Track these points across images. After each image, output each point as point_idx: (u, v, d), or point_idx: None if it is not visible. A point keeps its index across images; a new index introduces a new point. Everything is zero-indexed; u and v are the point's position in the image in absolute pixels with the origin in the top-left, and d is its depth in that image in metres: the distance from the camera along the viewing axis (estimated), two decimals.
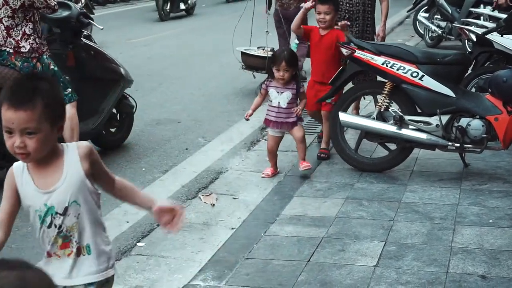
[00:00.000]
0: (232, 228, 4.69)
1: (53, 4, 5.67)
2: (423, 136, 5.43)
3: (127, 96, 6.90)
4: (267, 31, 8.63)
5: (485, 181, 5.39)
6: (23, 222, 4.93)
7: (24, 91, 2.24)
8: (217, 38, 13.49)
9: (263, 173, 5.69)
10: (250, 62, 9.14)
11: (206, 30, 15.69)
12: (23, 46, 5.61)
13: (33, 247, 4.54)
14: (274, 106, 5.53)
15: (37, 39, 5.69)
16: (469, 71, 6.38)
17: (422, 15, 12.35)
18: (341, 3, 6.49)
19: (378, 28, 7.02)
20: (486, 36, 6.70)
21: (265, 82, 5.61)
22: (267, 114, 5.64)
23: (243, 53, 9.22)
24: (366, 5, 6.70)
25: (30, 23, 5.66)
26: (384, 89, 5.57)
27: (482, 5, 10.40)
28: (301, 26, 5.99)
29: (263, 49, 9.05)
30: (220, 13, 19.16)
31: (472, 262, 4.01)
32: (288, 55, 5.42)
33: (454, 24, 10.54)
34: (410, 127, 5.48)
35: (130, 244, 4.52)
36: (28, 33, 5.64)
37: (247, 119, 5.87)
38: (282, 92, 5.48)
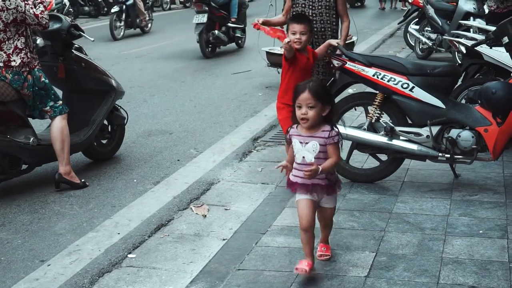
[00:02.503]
0: (224, 239, 4.69)
1: (44, 22, 5.68)
2: (413, 147, 5.45)
3: (119, 107, 6.90)
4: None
5: (476, 192, 5.40)
6: (13, 234, 4.96)
7: None
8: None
9: (296, 268, 3.94)
10: (275, 60, 9.98)
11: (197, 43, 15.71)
12: (14, 60, 5.61)
13: (24, 259, 4.53)
14: (299, 163, 3.95)
15: (28, 54, 5.69)
16: (459, 83, 6.41)
17: (412, 27, 12.42)
18: None
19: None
20: (475, 48, 6.74)
21: (289, 129, 4.04)
22: (292, 175, 4.06)
23: (268, 53, 10.19)
24: (331, 23, 6.22)
25: (22, 37, 5.66)
26: (375, 100, 5.59)
27: (472, 18, 10.47)
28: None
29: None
30: None
31: (463, 272, 4.02)
32: (314, 86, 3.89)
33: (444, 36, 10.61)
34: (401, 138, 5.50)
35: (121, 255, 4.51)
36: (20, 47, 5.64)
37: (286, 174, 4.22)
38: (306, 143, 3.91)
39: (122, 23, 16.55)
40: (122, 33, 16.47)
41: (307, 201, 3.95)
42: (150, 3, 18.75)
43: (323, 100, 3.87)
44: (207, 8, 13.28)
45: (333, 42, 5.58)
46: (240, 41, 14.51)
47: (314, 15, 6.13)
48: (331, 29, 6.20)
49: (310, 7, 6.15)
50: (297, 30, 5.22)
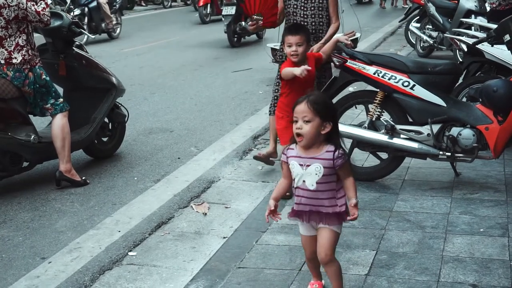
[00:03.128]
0: (224, 237, 4.69)
1: (46, 19, 5.68)
2: (414, 145, 5.45)
3: (119, 105, 6.90)
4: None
5: (476, 190, 5.40)
6: (15, 232, 4.96)
7: None
8: (209, 47, 13.52)
9: None
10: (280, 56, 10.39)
11: (199, 40, 15.72)
12: (15, 57, 5.61)
13: (24, 256, 4.53)
14: (299, 188, 3.46)
15: (30, 51, 5.69)
16: (460, 81, 6.41)
17: (413, 25, 12.41)
18: (294, 22, 5.88)
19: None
20: (477, 46, 6.73)
21: (286, 150, 3.51)
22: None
23: (273, 49, 10.28)
24: (323, 25, 5.94)
25: (23, 34, 5.66)
26: (376, 98, 5.59)
27: (473, 16, 10.47)
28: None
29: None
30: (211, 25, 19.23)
31: (463, 271, 4.01)
32: (314, 98, 3.37)
33: (445, 34, 10.61)
34: (402, 136, 5.50)
35: (121, 253, 4.51)
36: (21, 44, 5.64)
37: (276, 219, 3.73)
38: (307, 165, 3.38)
39: (85, 28, 14.58)
40: (84, 39, 13.41)
41: (308, 238, 3.59)
42: (117, 5, 17.14)
43: (323, 115, 3.32)
44: (235, 1, 14.21)
45: (342, 38, 5.44)
46: (260, 32, 15.07)
47: (305, 16, 5.90)
48: (322, 30, 5.94)
49: (302, 8, 5.91)
50: (292, 42, 5.00)
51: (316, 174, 3.35)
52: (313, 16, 5.90)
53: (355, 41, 11.74)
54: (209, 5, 19.42)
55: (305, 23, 5.85)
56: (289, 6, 5.94)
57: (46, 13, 5.67)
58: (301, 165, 3.37)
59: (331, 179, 3.40)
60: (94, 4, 15.65)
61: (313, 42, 5.80)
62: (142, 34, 17.48)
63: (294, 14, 5.91)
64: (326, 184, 3.39)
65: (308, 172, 3.37)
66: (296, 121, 3.34)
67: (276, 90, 6.00)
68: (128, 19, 21.35)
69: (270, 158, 6.06)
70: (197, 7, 20.57)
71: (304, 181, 3.38)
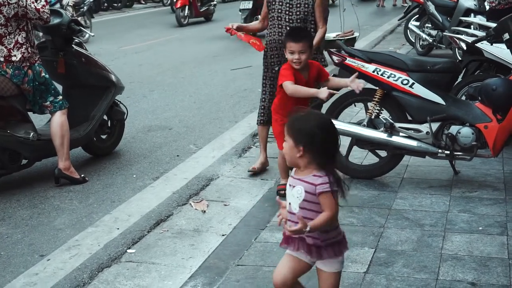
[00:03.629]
0: (223, 235, 4.69)
1: (45, 17, 5.68)
2: (413, 143, 5.45)
3: (118, 103, 6.90)
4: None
5: (475, 188, 5.40)
6: (13, 229, 4.96)
7: None
8: (207, 45, 13.51)
9: None
10: None
11: (197, 38, 15.72)
12: (14, 55, 5.61)
13: (23, 254, 4.53)
14: (289, 212, 3.08)
15: (29, 48, 5.69)
16: (459, 79, 6.40)
17: (413, 24, 12.42)
18: (280, 27, 5.68)
19: None
20: (476, 44, 6.73)
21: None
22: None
23: None
24: (310, 30, 5.68)
25: (23, 32, 5.66)
26: (375, 96, 5.59)
27: (472, 14, 10.47)
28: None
29: None
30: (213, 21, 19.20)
31: (462, 269, 4.02)
32: (291, 119, 3.05)
33: (444, 33, 10.60)
34: (401, 134, 5.50)
35: (120, 250, 4.51)
36: (21, 42, 5.64)
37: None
38: (293, 186, 3.05)
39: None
40: (86, 37, 12.57)
41: (287, 256, 3.17)
42: (85, 7, 16.19)
43: (296, 138, 2.97)
44: None
45: (352, 85, 4.83)
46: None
47: (291, 21, 5.64)
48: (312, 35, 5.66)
49: (287, 12, 5.66)
50: (295, 50, 4.74)
51: (297, 197, 3.00)
52: (298, 21, 5.66)
53: (353, 40, 11.74)
54: (187, 7, 18.75)
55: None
56: (273, 10, 5.72)
57: (46, 10, 5.66)
58: (290, 185, 3.07)
59: (317, 208, 2.97)
60: (57, 6, 14.69)
61: None
62: (142, 32, 17.48)
63: (279, 18, 5.69)
64: (311, 212, 2.98)
65: (292, 194, 3.03)
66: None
67: (264, 99, 5.92)
68: (127, 17, 21.34)
69: (266, 168, 6.08)
70: (174, 9, 19.67)
71: (290, 203, 3.05)
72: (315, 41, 5.53)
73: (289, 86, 4.79)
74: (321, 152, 2.96)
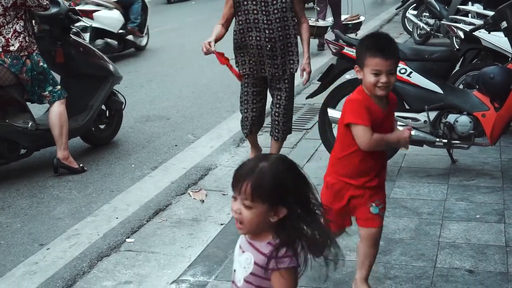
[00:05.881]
0: (221, 224, 4.71)
1: (45, 3, 5.67)
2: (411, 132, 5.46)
3: (116, 92, 6.90)
4: (315, 7, 12.03)
5: (473, 177, 5.42)
6: (13, 218, 4.97)
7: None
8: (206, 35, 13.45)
9: None
10: None
11: (195, 27, 15.68)
12: (12, 45, 5.61)
13: (23, 243, 4.55)
14: (232, 282, 2.37)
15: (27, 38, 5.68)
16: (457, 68, 6.41)
17: (410, 13, 12.40)
18: (257, 30, 5.17)
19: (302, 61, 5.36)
20: (473, 33, 6.73)
21: None
22: None
23: None
24: (292, 28, 5.22)
25: (21, 21, 5.65)
26: None
27: (470, 3, 10.45)
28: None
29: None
30: (211, 9, 19.15)
31: (459, 256, 4.04)
32: (258, 177, 2.19)
33: (442, 22, 10.59)
34: (398, 123, 5.51)
35: (119, 240, 4.53)
36: (19, 31, 5.63)
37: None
38: (243, 251, 2.30)
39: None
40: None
41: None
42: None
43: (271, 199, 2.18)
44: None
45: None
46: None
47: (269, 22, 5.10)
48: (294, 34, 5.22)
49: (264, 13, 5.08)
50: (383, 69, 3.25)
51: (244, 267, 2.26)
52: (278, 20, 5.11)
53: (360, 24, 12.03)
54: None
55: (270, 31, 5.12)
56: (246, 12, 5.13)
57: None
58: (240, 247, 2.32)
59: (263, 284, 2.23)
60: None
61: (285, 49, 5.21)
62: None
63: (256, 21, 5.12)
64: (252, 285, 2.25)
65: (239, 260, 2.30)
66: (235, 198, 2.24)
67: (246, 110, 5.48)
68: None
69: None
70: None
71: (235, 270, 2.34)
72: (305, 44, 5.30)
73: (367, 137, 3.27)
74: (297, 213, 2.21)
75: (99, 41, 11.10)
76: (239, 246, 2.33)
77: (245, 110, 5.52)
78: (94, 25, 10.88)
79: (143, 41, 12.46)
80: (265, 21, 5.11)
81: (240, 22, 5.19)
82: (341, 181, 3.43)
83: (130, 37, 11.98)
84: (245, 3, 5.12)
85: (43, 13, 5.90)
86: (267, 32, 5.13)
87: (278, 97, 5.40)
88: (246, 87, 5.45)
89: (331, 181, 3.47)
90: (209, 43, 5.14)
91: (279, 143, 5.61)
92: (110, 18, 11.50)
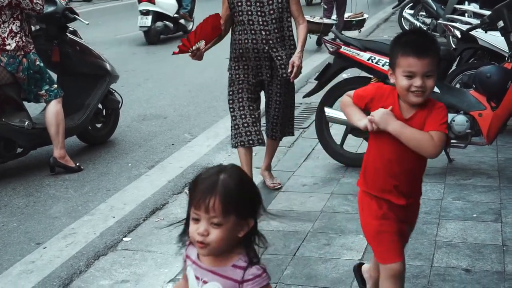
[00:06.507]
0: None
1: (38, 8, 5.66)
2: None
3: (113, 91, 6.89)
4: (323, 5, 12.33)
5: (469, 176, 5.43)
6: (9, 217, 4.96)
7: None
8: None
9: None
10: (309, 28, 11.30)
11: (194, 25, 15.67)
12: (9, 44, 5.60)
13: (19, 242, 4.54)
14: None
15: (23, 37, 5.67)
16: (454, 67, 6.42)
17: (407, 12, 12.42)
18: (253, 33, 4.92)
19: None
20: (470, 32, 6.74)
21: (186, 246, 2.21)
22: None
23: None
24: (287, 29, 5.01)
25: (17, 21, 5.64)
26: None
27: (466, 2, 10.46)
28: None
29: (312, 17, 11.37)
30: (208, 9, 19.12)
31: (456, 255, 4.04)
32: (225, 188, 1.98)
33: (439, 21, 10.61)
34: None
35: (116, 239, 4.52)
36: (15, 31, 5.62)
37: None
38: (204, 281, 2.08)
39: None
40: None
41: None
42: None
43: (241, 212, 1.99)
44: None
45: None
46: None
47: (265, 23, 4.88)
48: (288, 36, 5.01)
49: (260, 13, 4.87)
50: (417, 71, 2.73)
51: None
52: (274, 21, 4.90)
53: (363, 21, 12.53)
54: None
55: (267, 32, 4.90)
56: (241, 13, 4.92)
57: (39, 1, 5.64)
58: (197, 277, 2.10)
59: None
60: None
61: (281, 51, 4.96)
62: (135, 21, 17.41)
63: (251, 22, 4.91)
64: None
65: None
66: (198, 219, 2.00)
67: (234, 117, 5.10)
68: (121, 5, 21.26)
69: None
70: None
71: None
72: (300, 41, 5.01)
73: (344, 100, 3.13)
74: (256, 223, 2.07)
75: (159, 23, 13.21)
76: (194, 277, 2.09)
77: (233, 117, 5.12)
78: (156, 9, 13.05)
79: (190, 26, 13.99)
80: (260, 22, 4.89)
81: (239, 23, 4.97)
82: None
83: (182, 21, 13.97)
84: (239, 4, 4.90)
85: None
86: (263, 33, 4.90)
87: (278, 95, 5.14)
88: (240, 93, 5.12)
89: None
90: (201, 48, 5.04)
91: (277, 142, 5.45)
92: (168, 4, 13.58)
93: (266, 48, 4.93)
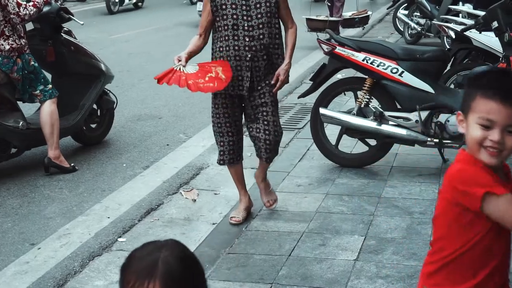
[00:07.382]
0: (213, 223, 4.71)
1: (22, 14, 5.65)
2: (402, 131, 5.47)
3: (108, 91, 6.88)
4: (327, 3, 12.65)
5: None
6: (3, 218, 4.95)
7: None
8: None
9: None
10: (313, 25, 11.74)
11: (187, 27, 15.66)
12: (2, 45, 5.59)
13: (14, 242, 4.53)
14: None
15: (17, 40, 5.66)
16: (448, 68, 6.43)
17: (401, 12, 12.43)
18: (236, 39, 4.44)
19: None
20: (464, 33, 6.75)
21: None
22: None
23: (307, 19, 11.73)
24: (275, 35, 4.52)
25: (9, 24, 5.63)
26: (364, 85, 5.61)
27: (461, 3, 10.48)
28: None
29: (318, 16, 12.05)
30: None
31: None
32: (170, 268, 1.63)
33: (433, 21, 10.62)
34: (390, 123, 5.52)
35: (111, 239, 4.52)
36: (8, 34, 5.61)
37: None
38: None
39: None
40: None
41: None
42: None
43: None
44: None
45: None
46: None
47: (251, 28, 4.41)
48: (278, 43, 4.55)
49: (246, 18, 4.42)
50: (499, 120, 2.03)
51: None
52: (261, 26, 4.44)
53: (367, 18, 12.99)
54: None
55: (251, 38, 4.42)
56: (225, 17, 4.45)
57: (28, 9, 5.66)
58: None
59: None
60: None
61: (267, 59, 4.49)
62: (131, 21, 17.40)
63: (235, 27, 4.43)
64: None
65: None
66: None
67: (221, 133, 4.69)
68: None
69: (251, 211, 4.87)
70: None
71: None
72: (289, 49, 4.57)
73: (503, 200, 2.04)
74: None
75: None
76: None
77: (220, 134, 4.71)
78: None
79: None
80: (245, 27, 4.42)
81: (219, 30, 4.50)
82: None
83: None
84: (224, 7, 4.43)
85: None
86: (246, 40, 4.41)
87: (264, 113, 4.56)
88: (217, 107, 4.70)
89: None
90: (178, 57, 4.65)
91: (268, 165, 4.90)
92: None
93: (249, 56, 4.44)
